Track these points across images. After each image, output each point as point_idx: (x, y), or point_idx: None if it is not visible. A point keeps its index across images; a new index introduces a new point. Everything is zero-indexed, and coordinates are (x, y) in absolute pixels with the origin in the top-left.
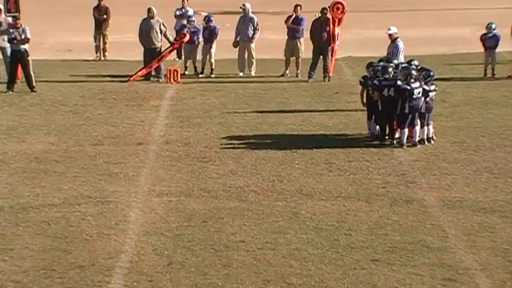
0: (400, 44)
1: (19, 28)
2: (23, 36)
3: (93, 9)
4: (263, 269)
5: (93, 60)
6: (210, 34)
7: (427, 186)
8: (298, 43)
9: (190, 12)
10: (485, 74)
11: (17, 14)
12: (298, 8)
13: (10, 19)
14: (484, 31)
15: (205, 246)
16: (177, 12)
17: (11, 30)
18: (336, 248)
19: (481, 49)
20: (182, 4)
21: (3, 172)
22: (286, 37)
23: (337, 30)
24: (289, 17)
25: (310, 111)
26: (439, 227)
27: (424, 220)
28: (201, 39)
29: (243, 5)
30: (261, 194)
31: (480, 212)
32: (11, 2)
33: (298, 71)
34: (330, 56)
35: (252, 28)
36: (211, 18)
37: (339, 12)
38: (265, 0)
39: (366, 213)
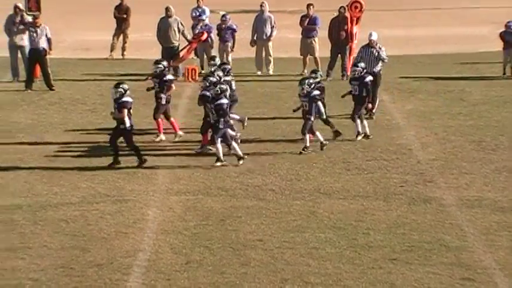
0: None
1: (38, 27)
2: (42, 35)
3: (114, 8)
4: (281, 268)
5: (105, 58)
6: (227, 33)
7: (445, 185)
8: (313, 42)
9: (207, 12)
10: (504, 73)
11: (37, 12)
12: (311, 7)
13: (29, 18)
14: (503, 29)
15: (223, 245)
16: (193, 13)
17: (30, 29)
18: (354, 247)
19: (500, 47)
20: (197, 3)
21: (22, 170)
22: (301, 36)
23: (355, 29)
24: (303, 16)
25: (328, 109)
26: (458, 226)
27: (443, 219)
28: (214, 37)
29: (263, 2)
30: (279, 192)
31: (499, 211)
32: (32, 0)
33: (320, 72)
34: (347, 55)
35: (270, 27)
36: (227, 17)
37: (357, 10)
38: None
39: (384, 212)
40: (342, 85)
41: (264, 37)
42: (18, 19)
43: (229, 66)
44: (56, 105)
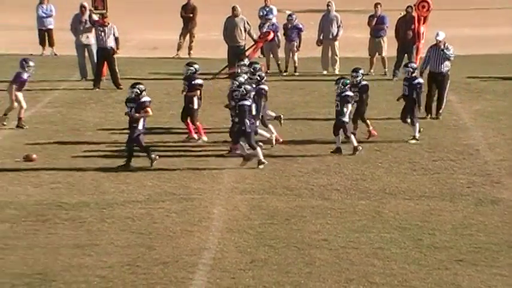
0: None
1: (106, 26)
2: (110, 34)
3: (181, 8)
4: (345, 268)
5: (172, 58)
6: (293, 32)
7: None
8: (382, 41)
9: (274, 11)
10: None
11: (104, 11)
12: (379, 6)
13: (95, 16)
14: None
15: (288, 244)
16: (260, 13)
17: (98, 28)
18: (420, 247)
19: None
20: (265, 3)
21: (89, 168)
22: (369, 36)
23: (422, 29)
24: (371, 16)
25: (394, 109)
26: None
27: (510, 220)
28: (280, 37)
29: (329, 2)
30: (344, 192)
31: None
32: None
33: (386, 69)
34: (414, 55)
35: (336, 26)
36: (293, 17)
37: (425, 10)
38: None
39: (450, 213)
40: None
41: (330, 36)
42: (84, 18)
43: (258, 66)
44: (123, 103)
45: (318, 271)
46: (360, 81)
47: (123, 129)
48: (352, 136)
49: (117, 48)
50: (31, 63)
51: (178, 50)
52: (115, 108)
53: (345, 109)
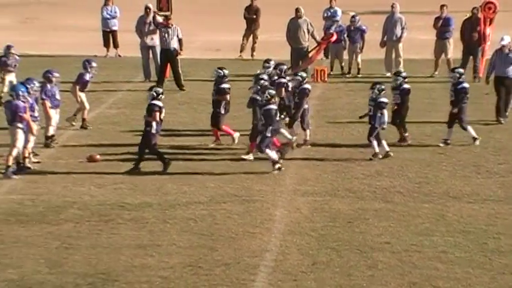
0: None
1: (170, 27)
2: (173, 36)
3: (245, 9)
4: (408, 271)
5: (235, 59)
6: (356, 34)
7: None
8: (448, 43)
9: (339, 12)
10: None
11: (168, 13)
12: (444, 8)
13: (159, 18)
14: None
15: (350, 247)
16: (325, 14)
17: (162, 29)
18: (484, 251)
19: None
20: (330, 4)
21: (152, 169)
22: (435, 38)
23: (488, 30)
24: (437, 18)
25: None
26: None
27: None
28: (346, 38)
29: (394, 3)
30: (407, 195)
31: None
32: (163, 1)
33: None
34: (479, 56)
35: (400, 28)
36: (357, 18)
37: (491, 11)
38: (413, 0)
39: None
40: (474, 87)
41: (394, 38)
42: (149, 20)
43: (285, 67)
44: (185, 105)
45: (381, 274)
46: (400, 84)
47: (186, 130)
48: (375, 142)
49: (181, 50)
50: (94, 64)
51: (241, 51)
52: (178, 109)
53: (378, 115)
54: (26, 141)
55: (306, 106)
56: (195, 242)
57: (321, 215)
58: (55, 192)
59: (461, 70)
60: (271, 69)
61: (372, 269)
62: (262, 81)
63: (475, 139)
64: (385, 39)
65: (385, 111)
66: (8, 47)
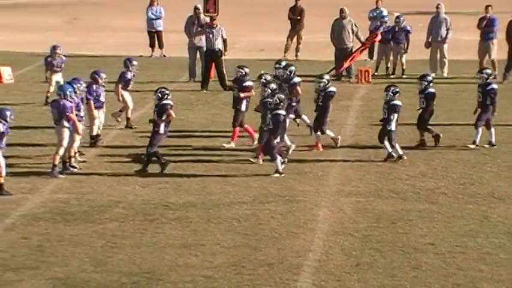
0: None
1: (214, 28)
2: (218, 36)
3: (289, 10)
4: (452, 273)
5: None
6: (401, 34)
7: None
8: (491, 44)
9: (385, 13)
10: None
11: (215, 14)
12: (489, 8)
13: (207, 19)
14: None
15: (394, 248)
16: (371, 14)
17: (207, 30)
18: None
19: None
20: (376, 5)
21: (200, 169)
22: (479, 38)
23: None
24: (481, 19)
25: (504, 112)
26: None
27: None
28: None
29: (439, 4)
30: (452, 196)
31: None
32: (210, 2)
33: (496, 72)
34: None
35: (445, 28)
36: (401, 19)
37: None
38: (459, 1)
39: None
40: None
41: (439, 39)
42: (197, 20)
43: (293, 68)
44: (229, 105)
45: (424, 275)
46: (425, 88)
47: (230, 131)
48: (387, 143)
49: (225, 50)
50: (135, 63)
51: (285, 51)
52: (222, 109)
53: (391, 117)
54: (72, 140)
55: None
56: (239, 241)
57: (364, 216)
58: (100, 192)
59: (488, 71)
60: (293, 67)
61: (416, 270)
62: (272, 85)
63: (490, 143)
64: (430, 39)
65: (395, 115)
66: (54, 47)
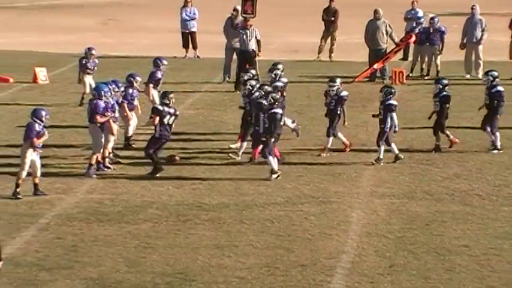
0: None
1: (248, 29)
2: (252, 37)
3: (323, 11)
4: (487, 275)
5: (313, 60)
6: (436, 35)
7: None
8: None
9: (420, 14)
10: None
11: (252, 16)
12: None
13: (242, 19)
14: None
15: (428, 250)
16: (407, 15)
17: (240, 31)
18: None
19: None
20: (412, 5)
21: (228, 170)
22: (510, 39)
23: None
24: None
25: None
26: None
27: None
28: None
29: (474, 5)
30: (486, 198)
31: None
32: (248, 3)
33: None
34: None
35: (480, 30)
36: (436, 20)
37: None
38: (494, 2)
39: None
40: None
41: (474, 40)
42: (236, 22)
43: (279, 72)
44: None
45: (458, 277)
46: (440, 91)
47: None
48: (382, 148)
49: (259, 51)
50: (165, 62)
51: (319, 53)
52: None
53: (387, 118)
54: (106, 141)
55: (338, 113)
56: (272, 242)
57: (398, 217)
58: (134, 192)
59: (495, 73)
60: (279, 71)
61: (450, 272)
62: (265, 87)
63: (495, 147)
64: (464, 41)
65: (394, 114)
66: (90, 49)
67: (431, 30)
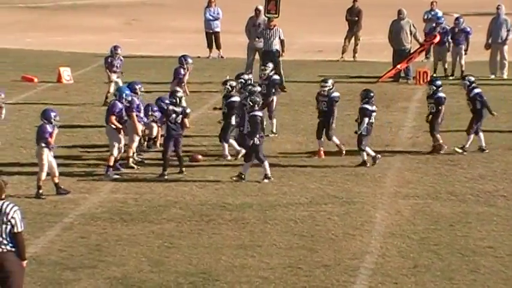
0: None
1: (272, 29)
2: (275, 37)
3: (347, 11)
4: (511, 276)
5: (337, 60)
6: (460, 36)
7: None
8: None
9: (440, 14)
10: None
11: (276, 15)
12: None
13: (265, 19)
14: None
15: (452, 250)
16: (426, 16)
17: (264, 31)
18: None
19: None
20: (431, 6)
21: (256, 170)
22: None
23: None
24: None
25: None
26: None
27: None
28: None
29: (499, 5)
30: (511, 199)
31: None
32: (271, 3)
33: None
34: None
35: (505, 30)
36: (461, 20)
37: None
38: None
39: None
40: None
41: (499, 40)
42: (258, 21)
43: (248, 77)
44: (286, 106)
45: (483, 279)
46: (434, 93)
47: (287, 131)
48: (366, 150)
49: (283, 51)
50: (190, 60)
51: (343, 53)
52: (279, 111)
53: (363, 121)
54: (131, 140)
55: (332, 114)
56: (295, 243)
57: (422, 218)
58: (157, 192)
59: (471, 78)
60: (267, 71)
61: (474, 273)
62: (250, 87)
63: (479, 147)
64: (489, 41)
65: (366, 119)
66: (115, 48)
67: (456, 31)
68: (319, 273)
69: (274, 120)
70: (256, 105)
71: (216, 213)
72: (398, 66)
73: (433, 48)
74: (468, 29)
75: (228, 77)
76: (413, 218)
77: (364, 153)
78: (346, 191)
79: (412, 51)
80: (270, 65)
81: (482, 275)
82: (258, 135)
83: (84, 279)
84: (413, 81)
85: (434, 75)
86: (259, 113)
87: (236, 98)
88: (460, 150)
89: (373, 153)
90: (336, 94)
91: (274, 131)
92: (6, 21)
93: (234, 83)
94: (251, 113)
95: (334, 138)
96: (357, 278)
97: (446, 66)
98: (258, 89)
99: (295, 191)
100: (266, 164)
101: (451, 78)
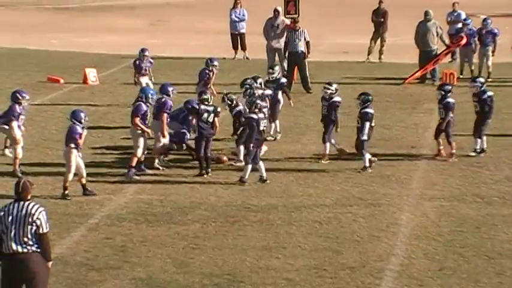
0: None
1: (297, 30)
2: (301, 38)
3: (372, 12)
4: None
5: (362, 62)
6: (488, 37)
7: None
8: None
9: (463, 16)
10: None
11: (296, 16)
12: None
13: (287, 21)
14: None
15: (478, 253)
16: (449, 18)
17: (290, 33)
18: None
19: None
20: (453, 8)
21: (278, 172)
22: None
23: None
24: None
25: None
26: None
27: None
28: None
29: None
30: None
31: None
32: (290, 4)
33: None
34: None
35: None
36: (489, 21)
37: None
38: None
39: None
40: None
41: None
42: (276, 22)
43: (250, 81)
44: (312, 107)
45: (509, 281)
46: (443, 98)
47: (311, 132)
48: (367, 155)
49: (308, 53)
50: (215, 63)
51: (368, 54)
52: (304, 112)
53: (364, 126)
54: (157, 141)
55: (332, 118)
56: (320, 244)
57: (448, 220)
58: (182, 193)
59: (482, 79)
60: (275, 74)
61: (500, 276)
62: (250, 91)
63: (475, 150)
64: None
65: (367, 123)
66: (143, 50)
67: (483, 32)
68: (344, 275)
69: (277, 122)
70: (252, 107)
71: (241, 215)
72: (426, 67)
73: (459, 49)
74: (496, 31)
75: (225, 91)
76: (439, 220)
77: (366, 158)
78: (372, 192)
79: (438, 53)
80: (277, 68)
81: (509, 278)
82: (256, 139)
83: (109, 280)
84: (439, 83)
85: (461, 75)
86: (255, 116)
87: (240, 107)
88: (474, 154)
89: (372, 158)
90: (337, 99)
91: (272, 133)
92: (34, 22)
93: (233, 96)
94: (247, 116)
95: (327, 144)
96: (382, 280)
97: (472, 68)
98: (260, 92)
99: (320, 193)
100: (249, 168)
101: (489, 80)
